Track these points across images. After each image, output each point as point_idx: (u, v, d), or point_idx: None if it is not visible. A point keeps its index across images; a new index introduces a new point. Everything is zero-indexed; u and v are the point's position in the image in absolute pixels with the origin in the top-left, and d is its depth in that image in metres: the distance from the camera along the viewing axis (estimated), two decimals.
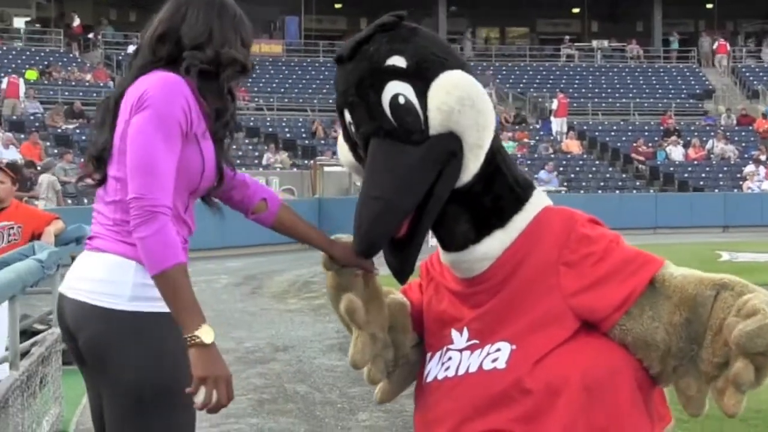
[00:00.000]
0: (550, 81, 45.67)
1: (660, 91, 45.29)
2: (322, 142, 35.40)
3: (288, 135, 36.62)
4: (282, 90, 41.80)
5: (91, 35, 43.45)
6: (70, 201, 23.62)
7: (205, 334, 3.13)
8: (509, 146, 36.29)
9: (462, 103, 3.38)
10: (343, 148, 3.64)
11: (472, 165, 3.43)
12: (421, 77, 3.41)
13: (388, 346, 3.69)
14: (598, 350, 3.36)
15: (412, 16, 3.60)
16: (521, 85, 45.28)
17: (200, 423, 7.82)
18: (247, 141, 35.85)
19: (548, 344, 3.37)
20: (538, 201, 3.59)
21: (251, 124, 37.32)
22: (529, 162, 35.26)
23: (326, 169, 30.28)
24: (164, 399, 3.28)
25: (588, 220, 3.54)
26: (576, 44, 49.32)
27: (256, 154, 33.91)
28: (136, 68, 3.42)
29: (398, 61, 3.43)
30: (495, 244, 3.50)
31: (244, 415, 8.27)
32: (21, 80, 34.11)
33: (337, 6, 52.22)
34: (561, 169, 35.79)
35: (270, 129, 36.99)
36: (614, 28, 51.07)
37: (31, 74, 36.79)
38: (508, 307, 3.46)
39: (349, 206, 16.43)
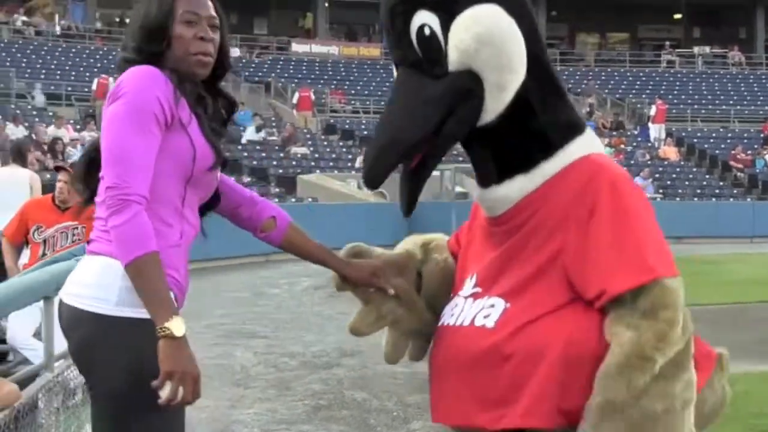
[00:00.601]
0: (650, 87, 45.14)
1: (761, 98, 44.51)
2: None
3: None
4: (379, 93, 41.82)
5: None
6: None
7: (176, 326, 3.04)
8: (605, 152, 35.89)
9: (480, 41, 3.26)
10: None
11: (493, 106, 3.31)
12: (447, 9, 3.31)
13: (419, 333, 3.64)
14: (589, 326, 3.15)
15: None
16: (620, 91, 44.82)
17: (251, 429, 7.88)
18: (341, 144, 35.98)
19: (540, 309, 3.20)
20: (578, 149, 3.37)
21: (346, 126, 37.44)
22: (625, 168, 34.76)
23: None
24: (144, 405, 3.19)
25: (626, 180, 3.28)
26: (677, 50, 48.71)
27: (350, 156, 33.97)
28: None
29: None
30: (514, 188, 3.36)
31: (296, 422, 8.21)
32: (111, 80, 34.55)
33: None
34: (657, 175, 35.31)
35: (365, 132, 37.02)
36: (716, 34, 50.35)
37: None
38: (511, 257, 3.34)
39: (439, 210, 16.76)
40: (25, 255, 8.99)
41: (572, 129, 3.40)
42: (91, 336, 3.25)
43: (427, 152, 3.32)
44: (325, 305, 15.55)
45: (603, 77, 46.10)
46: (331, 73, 43.91)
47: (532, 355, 3.15)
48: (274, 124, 36.02)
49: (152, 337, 3.10)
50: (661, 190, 34.19)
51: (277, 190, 29.25)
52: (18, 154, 10.43)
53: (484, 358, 3.23)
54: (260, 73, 41.85)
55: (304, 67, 43.97)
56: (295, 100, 38.09)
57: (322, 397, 9.13)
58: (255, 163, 31.53)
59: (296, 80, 41.14)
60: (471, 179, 28.23)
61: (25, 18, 41.13)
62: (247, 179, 28.52)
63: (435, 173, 23.78)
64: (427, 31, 3.31)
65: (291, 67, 43.73)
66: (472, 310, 3.34)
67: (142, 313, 3.13)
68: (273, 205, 3.72)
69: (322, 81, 42.29)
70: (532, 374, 3.14)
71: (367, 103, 40.00)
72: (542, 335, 3.16)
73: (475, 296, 3.38)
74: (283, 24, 47.89)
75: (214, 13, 3.41)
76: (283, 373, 10.24)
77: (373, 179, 3.28)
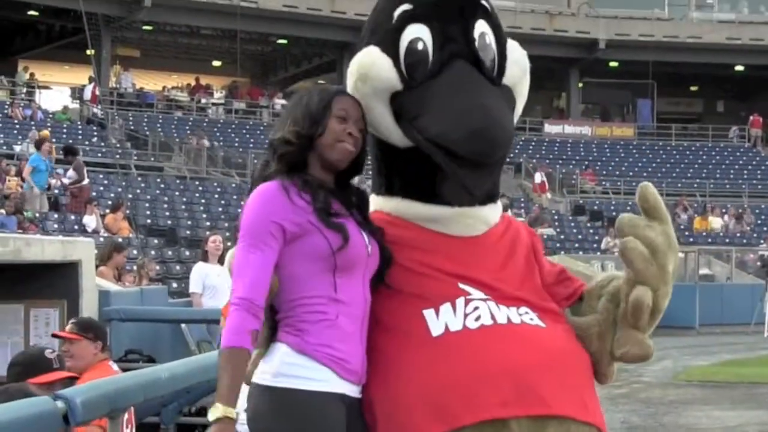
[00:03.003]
0: None
1: None
2: None
3: None
4: (630, 174, 41.37)
5: None
6: None
7: (212, 412, 3.31)
8: None
9: (526, 69, 3.74)
10: (385, 63, 3.66)
11: None
12: (499, 30, 3.69)
13: None
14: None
15: None
16: None
17: None
18: (589, 225, 35.73)
19: (551, 315, 3.66)
20: None
21: (595, 207, 37.14)
22: None
23: None
24: None
25: None
26: None
27: (596, 237, 33.72)
28: None
29: (488, 5, 3.71)
30: (492, 212, 3.73)
31: None
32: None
33: (693, 89, 51.36)
34: None
35: (614, 213, 36.65)
36: None
37: None
38: (512, 275, 3.66)
39: (683, 292, 16.04)
40: None
41: None
42: (252, 404, 3.55)
43: None
44: None
45: None
46: (582, 153, 43.76)
47: (580, 361, 3.61)
48: (522, 204, 36.13)
49: (305, 407, 3.43)
50: None
51: None
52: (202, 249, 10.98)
53: (566, 354, 3.56)
54: (512, 154, 41.95)
55: (555, 148, 43.96)
56: (537, 180, 38.14)
57: None
58: None
59: (548, 160, 41.19)
60: (716, 260, 27.13)
61: (284, 102, 42.67)
62: None
63: (679, 255, 23.36)
64: (488, 40, 3.63)
65: (543, 147, 43.81)
66: (506, 312, 3.56)
67: (299, 384, 3.44)
68: None
69: (573, 161, 42.19)
70: (585, 377, 3.62)
71: (618, 183, 39.56)
72: (575, 343, 3.64)
73: (494, 300, 3.57)
74: (538, 104, 48.06)
75: (361, 117, 3.67)
76: None
77: (496, 139, 3.50)
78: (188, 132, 38.01)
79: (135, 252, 20.90)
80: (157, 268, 19.48)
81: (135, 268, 15.66)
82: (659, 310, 3.64)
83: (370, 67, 3.66)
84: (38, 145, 24.80)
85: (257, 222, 3.48)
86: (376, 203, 3.81)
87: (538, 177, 38.07)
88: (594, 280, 3.82)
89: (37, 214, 22.33)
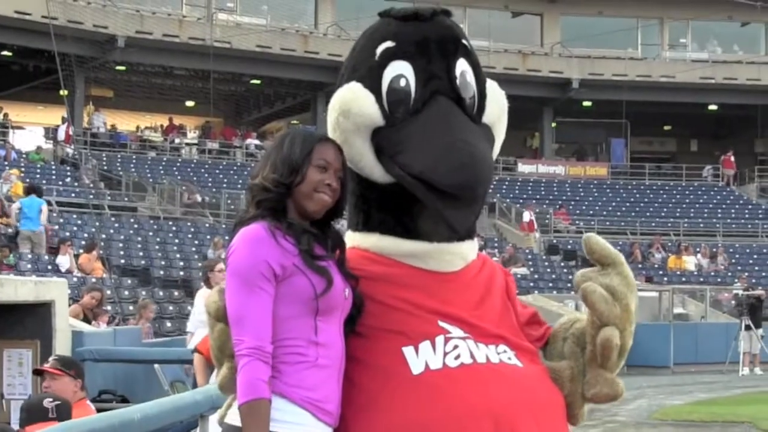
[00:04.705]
0: None
1: None
2: (639, 266, 34.88)
3: None
4: (604, 213, 41.59)
5: None
6: None
7: None
8: None
9: (504, 110, 3.77)
10: (367, 99, 3.66)
11: None
12: (478, 70, 3.74)
13: None
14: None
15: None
16: None
17: None
18: (562, 264, 35.79)
19: (534, 357, 3.69)
20: None
21: (569, 247, 37.20)
22: None
23: (638, 294, 29.66)
24: None
25: None
26: None
27: (570, 277, 33.74)
28: None
29: (468, 44, 3.76)
30: (470, 249, 3.74)
31: None
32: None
33: (667, 128, 51.63)
34: None
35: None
36: None
37: None
38: (490, 313, 3.65)
39: (657, 333, 16.33)
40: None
41: None
42: None
43: None
44: None
45: None
46: (556, 192, 43.89)
47: (556, 401, 3.64)
48: (495, 244, 36.17)
49: None
50: None
51: None
52: (203, 277, 10.95)
53: (543, 394, 3.57)
54: None
55: (529, 187, 44.09)
56: (525, 219, 38.22)
57: None
58: None
59: (521, 200, 41.28)
60: (690, 299, 27.16)
61: (257, 142, 42.73)
62: None
63: (653, 294, 23.06)
64: (468, 78, 3.66)
65: (517, 187, 43.92)
66: (485, 351, 3.55)
67: (275, 427, 3.38)
68: None
69: (547, 201, 42.31)
70: (561, 417, 3.66)
71: (592, 223, 39.65)
72: (550, 383, 3.66)
73: (473, 339, 3.56)
74: (512, 144, 48.20)
75: (341, 166, 3.64)
76: None
77: (478, 176, 3.46)
78: (162, 172, 37.94)
79: (109, 292, 20.81)
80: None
81: (107, 307, 15.56)
82: (625, 350, 3.67)
83: (353, 103, 3.66)
84: (39, 191, 24.69)
85: (250, 265, 3.44)
86: (353, 239, 3.80)
87: (527, 216, 38.16)
88: (557, 323, 3.84)
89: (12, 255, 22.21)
